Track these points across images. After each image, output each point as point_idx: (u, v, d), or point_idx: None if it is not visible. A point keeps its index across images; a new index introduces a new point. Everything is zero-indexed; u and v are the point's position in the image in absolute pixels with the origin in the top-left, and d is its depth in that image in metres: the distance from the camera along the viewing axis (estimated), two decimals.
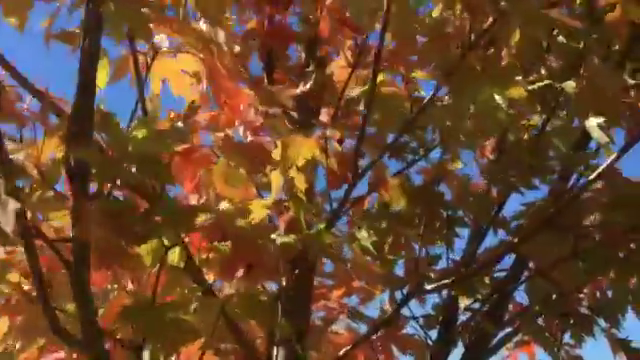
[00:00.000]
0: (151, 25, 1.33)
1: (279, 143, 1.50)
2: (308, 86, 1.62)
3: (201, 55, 1.50)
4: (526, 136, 1.93)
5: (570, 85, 1.44)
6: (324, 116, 2.27)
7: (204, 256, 1.44)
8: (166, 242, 1.28)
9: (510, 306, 2.02)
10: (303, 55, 2.18)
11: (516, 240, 1.54)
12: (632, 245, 1.40)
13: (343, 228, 1.90)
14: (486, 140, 1.96)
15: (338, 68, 2.21)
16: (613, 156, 1.34)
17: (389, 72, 1.63)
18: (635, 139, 1.35)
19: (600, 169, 1.34)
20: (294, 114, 1.87)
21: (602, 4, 1.45)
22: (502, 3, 1.29)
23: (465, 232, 2.02)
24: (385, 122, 1.52)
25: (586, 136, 1.83)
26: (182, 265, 1.45)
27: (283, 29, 1.96)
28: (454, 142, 1.62)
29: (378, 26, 1.44)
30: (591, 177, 1.35)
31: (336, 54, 2.30)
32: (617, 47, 1.86)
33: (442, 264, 1.96)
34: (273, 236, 1.44)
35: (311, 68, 2.06)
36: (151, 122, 1.20)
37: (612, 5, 1.37)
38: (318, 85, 2.03)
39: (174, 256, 1.38)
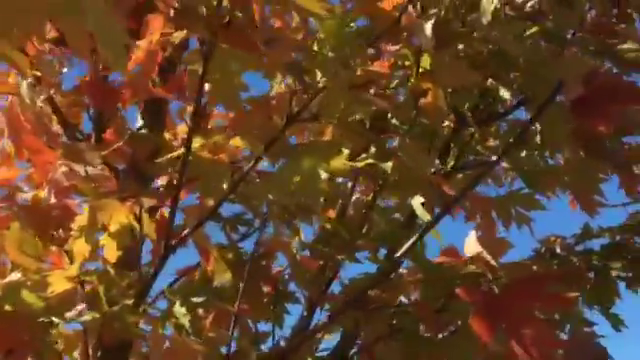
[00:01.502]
0: None
1: (86, 207, 1.37)
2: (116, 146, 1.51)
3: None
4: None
5: (388, 166, 1.47)
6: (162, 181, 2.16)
7: None
8: None
9: None
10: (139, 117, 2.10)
11: (333, 316, 1.51)
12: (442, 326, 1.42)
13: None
14: (320, 212, 1.97)
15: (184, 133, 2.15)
16: (415, 237, 1.37)
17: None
18: (437, 220, 1.39)
19: (404, 248, 1.36)
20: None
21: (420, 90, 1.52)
22: (323, 79, 1.31)
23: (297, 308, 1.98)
24: (205, 190, 1.45)
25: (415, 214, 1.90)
26: None
27: (115, 89, 1.86)
28: (277, 215, 1.58)
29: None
30: (397, 255, 1.37)
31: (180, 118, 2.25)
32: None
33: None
34: (69, 314, 1.28)
35: (144, 131, 1.98)
36: None
37: (424, 91, 1.44)
38: (152, 149, 1.95)
39: None
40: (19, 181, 1.70)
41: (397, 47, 1.55)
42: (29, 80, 1.34)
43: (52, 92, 1.89)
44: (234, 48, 1.03)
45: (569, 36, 1.95)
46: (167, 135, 2.16)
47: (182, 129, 2.18)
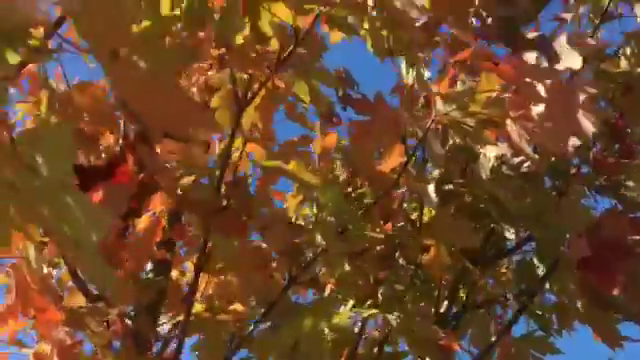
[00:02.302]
0: None
1: None
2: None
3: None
4: None
5: (391, 318, 1.46)
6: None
7: None
8: None
9: None
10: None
11: None
12: None
13: None
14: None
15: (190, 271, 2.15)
16: None
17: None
18: None
19: None
20: None
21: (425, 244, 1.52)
22: (322, 243, 1.32)
23: None
24: (208, 352, 1.43)
25: None
26: None
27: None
28: None
29: None
30: None
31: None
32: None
33: None
34: None
35: (150, 275, 1.99)
36: None
37: (427, 247, 1.45)
38: (158, 294, 1.95)
39: None
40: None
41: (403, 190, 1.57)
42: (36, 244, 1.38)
43: None
44: (227, 235, 1.06)
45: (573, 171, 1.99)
46: (174, 273, 2.17)
47: (190, 268, 2.18)
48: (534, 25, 1.00)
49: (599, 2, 1.88)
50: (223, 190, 1.12)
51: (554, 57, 0.99)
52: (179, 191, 1.12)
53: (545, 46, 0.99)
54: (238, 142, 1.64)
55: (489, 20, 0.96)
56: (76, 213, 0.56)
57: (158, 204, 1.18)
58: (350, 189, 1.86)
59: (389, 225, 1.44)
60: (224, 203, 1.07)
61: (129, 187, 1.02)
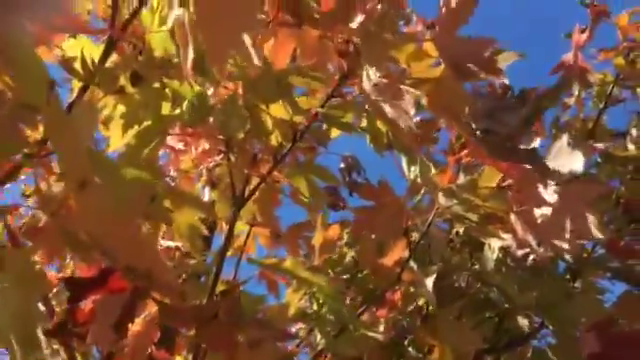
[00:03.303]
0: None
1: None
2: None
3: None
4: None
5: None
6: None
7: None
8: None
9: None
10: None
11: None
12: None
13: None
14: None
15: None
16: None
17: None
18: None
19: None
20: None
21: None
22: (322, 341, 1.28)
23: None
24: None
25: None
26: None
27: None
28: None
29: None
30: None
31: None
32: None
33: None
34: None
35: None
36: None
37: (432, 345, 1.39)
38: None
39: None
40: None
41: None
42: None
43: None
44: (215, 350, 1.02)
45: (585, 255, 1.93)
46: (178, 359, 2.11)
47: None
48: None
49: (602, 87, 1.88)
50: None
51: (546, 172, 0.97)
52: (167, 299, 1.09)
53: (537, 161, 0.97)
54: (242, 226, 1.63)
55: (478, 133, 0.95)
56: None
57: (152, 305, 1.15)
58: (356, 271, 1.82)
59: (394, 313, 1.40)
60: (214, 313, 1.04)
61: (122, 296, 0.99)
